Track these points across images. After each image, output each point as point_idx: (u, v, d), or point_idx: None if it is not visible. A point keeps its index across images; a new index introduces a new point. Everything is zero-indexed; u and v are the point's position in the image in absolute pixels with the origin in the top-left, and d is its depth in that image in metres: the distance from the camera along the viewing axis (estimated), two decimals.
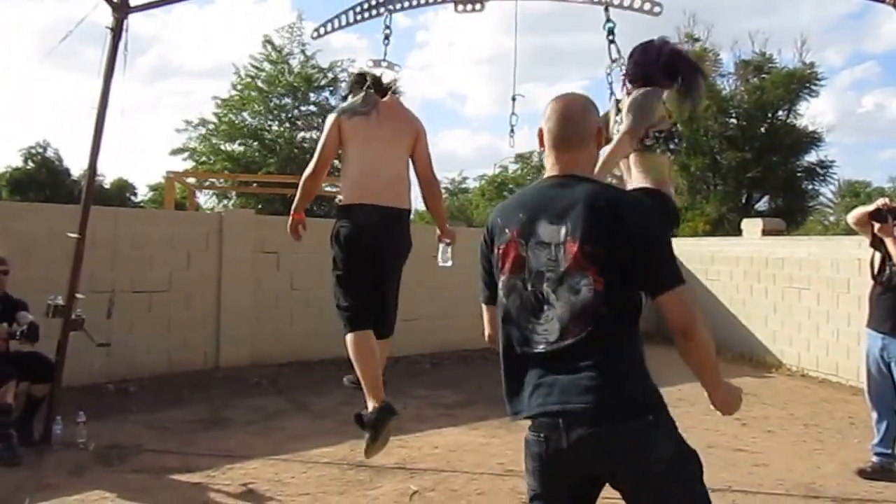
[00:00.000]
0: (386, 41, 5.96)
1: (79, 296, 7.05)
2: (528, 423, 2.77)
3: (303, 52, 27.71)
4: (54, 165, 45.23)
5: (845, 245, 11.64)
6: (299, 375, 10.66)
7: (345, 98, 5.52)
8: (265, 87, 27.05)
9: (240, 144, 26.90)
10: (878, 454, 6.75)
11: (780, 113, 25.12)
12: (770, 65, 25.52)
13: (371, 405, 5.28)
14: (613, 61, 5.51)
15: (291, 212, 5.66)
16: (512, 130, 6.62)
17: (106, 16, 6.74)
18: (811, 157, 25.60)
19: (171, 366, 10.30)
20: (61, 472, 6.35)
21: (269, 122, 27.55)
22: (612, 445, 2.60)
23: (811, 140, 25.08)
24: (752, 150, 24.25)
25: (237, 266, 10.92)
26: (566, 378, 2.62)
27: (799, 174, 25.43)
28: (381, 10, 6.10)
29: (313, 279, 11.56)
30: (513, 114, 6.35)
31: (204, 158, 26.45)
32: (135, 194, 49.13)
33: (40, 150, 45.10)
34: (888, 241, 6.45)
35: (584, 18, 78.78)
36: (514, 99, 6.34)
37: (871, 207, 6.64)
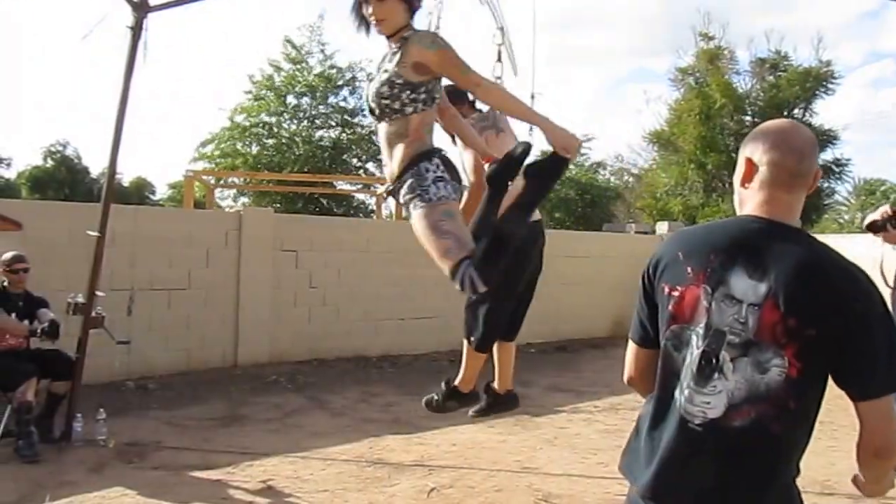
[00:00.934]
0: (499, 58, 5.71)
1: (99, 293, 7.09)
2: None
3: (322, 51, 27.78)
4: (74, 164, 45.43)
5: (860, 243, 11.55)
6: (317, 373, 10.70)
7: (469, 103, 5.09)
8: (282, 86, 27.06)
9: (256, 145, 26.92)
10: None
11: (797, 111, 25.01)
12: (786, 62, 25.43)
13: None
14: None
15: None
16: (531, 130, 6.57)
17: (126, 15, 6.78)
18: (827, 155, 25.46)
19: (191, 363, 10.35)
20: (81, 468, 6.39)
21: (286, 122, 27.56)
22: None
23: (827, 138, 24.95)
24: None
25: (256, 264, 10.95)
26: (709, 476, 2.20)
27: None
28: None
29: (332, 277, 11.61)
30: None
31: (221, 160, 26.47)
32: (153, 193, 49.30)
33: (60, 149, 45.31)
34: None
35: (601, 18, 78.51)
36: (532, 97, 6.33)
37: (869, 219, 6.58)
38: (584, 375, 11.30)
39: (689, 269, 2.27)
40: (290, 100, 27.41)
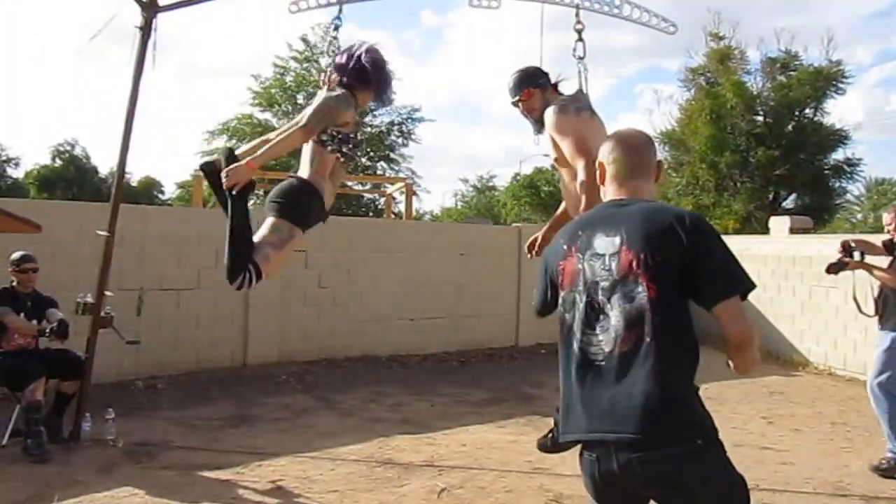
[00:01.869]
0: (580, 37, 5.73)
1: (108, 293, 7.09)
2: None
3: (334, 51, 27.73)
4: (82, 163, 45.55)
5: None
6: (327, 373, 10.69)
7: (543, 84, 5.08)
8: (292, 85, 27.09)
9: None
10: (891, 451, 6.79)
11: (808, 111, 24.97)
12: (796, 62, 25.38)
13: None
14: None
15: (545, 231, 5.34)
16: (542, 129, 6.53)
17: (135, 14, 6.77)
18: (838, 155, 25.41)
19: (200, 363, 10.35)
20: (90, 468, 6.38)
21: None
22: (661, 471, 2.57)
23: (838, 138, 24.89)
24: (780, 148, 24.08)
25: None
26: (620, 399, 2.60)
27: (826, 172, 25.22)
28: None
29: (341, 277, 11.60)
30: None
31: None
32: (162, 192, 49.43)
33: (68, 148, 45.43)
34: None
35: (609, 18, 78.24)
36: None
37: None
38: None
39: (564, 247, 2.89)
40: (300, 100, 27.45)
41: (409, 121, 30.71)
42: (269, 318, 10.98)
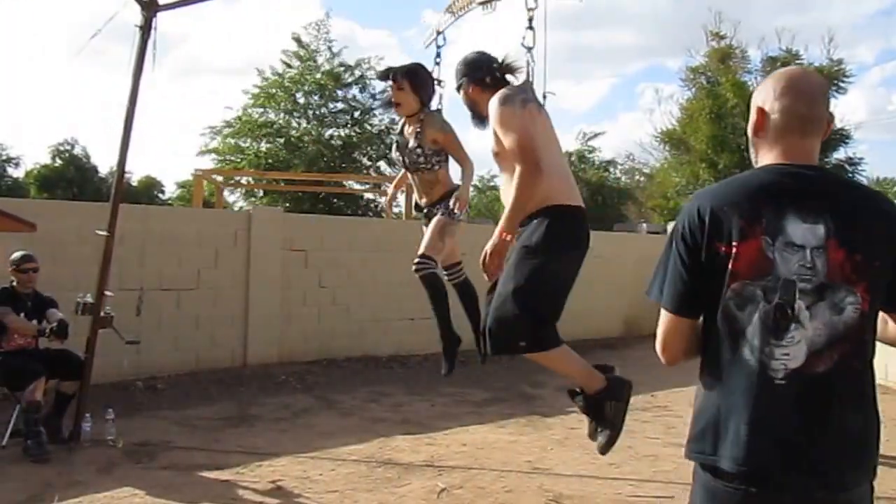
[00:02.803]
0: (530, 26, 5.22)
1: (108, 293, 7.10)
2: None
3: (329, 49, 27.85)
4: (82, 163, 45.56)
5: None
6: (327, 373, 10.70)
7: (480, 78, 4.73)
8: (291, 84, 27.12)
9: (265, 143, 26.97)
10: None
11: None
12: (797, 61, 25.39)
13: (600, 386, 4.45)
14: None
15: (503, 231, 4.38)
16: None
17: (135, 14, 6.78)
18: (840, 154, 25.42)
19: (200, 363, 10.35)
20: (90, 468, 6.39)
21: (296, 120, 27.62)
22: None
23: (840, 137, 24.92)
24: None
25: (265, 264, 10.95)
26: (812, 431, 2.11)
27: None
28: None
29: (341, 277, 11.60)
30: None
31: (230, 157, 26.54)
32: (162, 192, 49.44)
33: (68, 148, 45.44)
34: None
35: (612, 15, 78.65)
36: (544, 97, 6.28)
37: None
38: None
39: (741, 224, 2.16)
40: (299, 98, 27.49)
41: None
42: (269, 318, 10.98)
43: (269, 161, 25.90)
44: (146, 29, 6.76)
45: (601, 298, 14.93)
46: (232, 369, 10.51)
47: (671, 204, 26.99)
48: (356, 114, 27.73)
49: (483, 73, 4.72)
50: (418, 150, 5.48)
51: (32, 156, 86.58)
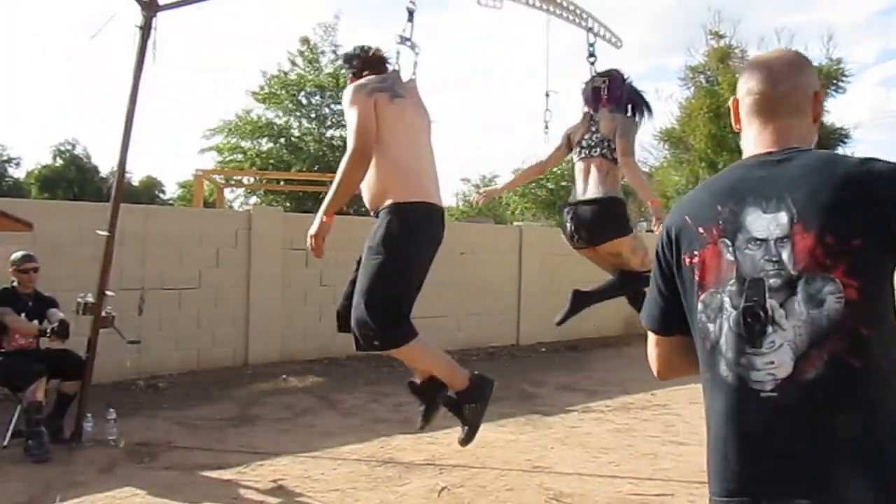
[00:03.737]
0: (410, 18, 4.94)
1: (109, 293, 7.11)
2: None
3: (334, 51, 27.90)
4: (83, 163, 45.62)
5: None
6: (327, 372, 10.71)
7: (356, 72, 4.77)
8: (294, 84, 27.17)
9: (266, 143, 27.01)
10: None
11: None
12: None
13: (462, 386, 4.80)
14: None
15: (322, 214, 4.54)
16: (546, 126, 6.53)
17: (135, 14, 6.79)
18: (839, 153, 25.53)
19: (201, 363, 10.38)
20: (92, 469, 6.39)
21: (297, 120, 27.65)
22: None
23: (839, 136, 24.95)
24: None
25: (266, 263, 10.98)
26: (810, 446, 1.82)
27: None
28: None
29: (342, 276, 11.50)
30: (546, 109, 6.32)
31: (230, 157, 26.58)
32: (163, 192, 49.52)
33: (69, 148, 45.50)
34: None
35: (614, 15, 78.84)
36: (547, 95, 6.31)
37: None
38: (596, 375, 11.28)
39: (700, 230, 2.01)
40: (301, 99, 27.53)
41: None
42: (270, 317, 11.01)
43: (271, 161, 25.93)
44: (146, 29, 6.76)
45: None
46: (233, 368, 10.54)
47: (671, 203, 27.05)
48: None
49: (354, 65, 4.79)
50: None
51: (33, 156, 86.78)
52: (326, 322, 11.52)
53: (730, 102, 2.28)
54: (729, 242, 1.95)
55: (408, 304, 4.44)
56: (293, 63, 27.65)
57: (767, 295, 1.87)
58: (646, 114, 6.08)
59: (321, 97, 27.51)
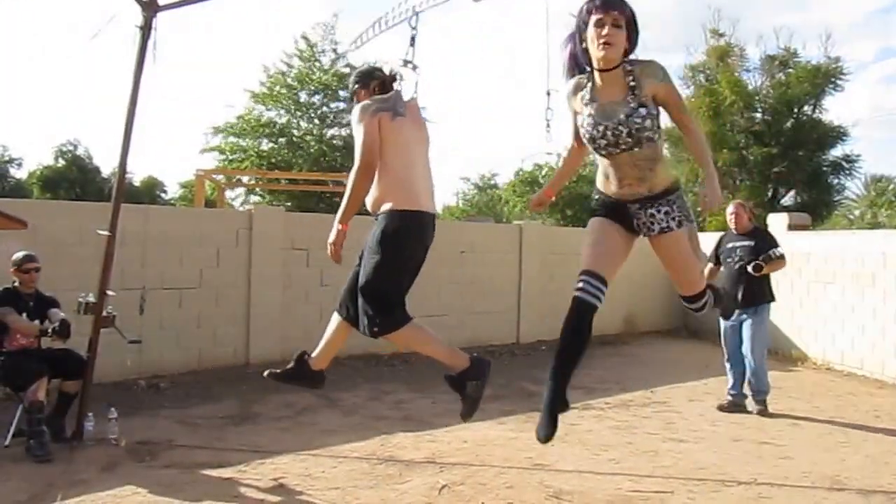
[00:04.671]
0: (412, 43, 5.60)
1: (110, 293, 7.13)
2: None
3: (334, 50, 27.93)
4: (84, 163, 45.63)
5: (870, 239, 11.68)
6: (329, 371, 10.69)
7: (367, 88, 5.20)
8: (294, 83, 27.20)
9: (267, 142, 27.03)
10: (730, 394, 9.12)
11: (806, 108, 25.00)
12: (795, 59, 25.38)
13: (463, 366, 5.22)
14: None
15: (338, 223, 5.20)
16: (548, 126, 6.55)
17: (135, 14, 6.80)
18: (837, 152, 25.40)
19: (202, 362, 10.42)
20: (93, 467, 6.42)
21: (297, 119, 27.67)
22: None
23: (837, 135, 24.92)
24: (778, 145, 24.06)
25: (267, 262, 11.01)
26: None
27: (825, 169, 25.21)
28: (410, 13, 5.97)
29: (343, 275, 11.56)
30: (548, 108, 6.34)
31: (232, 156, 26.61)
32: (165, 192, 49.54)
33: (71, 148, 45.51)
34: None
35: None
36: (548, 94, 6.32)
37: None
38: (595, 372, 11.28)
39: None
40: (303, 98, 27.56)
41: None
42: (270, 316, 11.04)
43: (272, 160, 25.95)
44: (146, 29, 6.78)
45: None
46: (234, 367, 10.57)
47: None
48: None
49: (371, 83, 5.21)
50: (641, 112, 4.17)
51: (35, 157, 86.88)
52: (327, 321, 11.50)
53: None
54: None
55: (399, 296, 5.03)
56: (289, 65, 27.68)
57: None
58: None
59: (323, 96, 27.53)
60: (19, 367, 6.87)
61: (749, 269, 8.71)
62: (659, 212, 4.45)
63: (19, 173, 47.14)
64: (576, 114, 4.50)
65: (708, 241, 8.73)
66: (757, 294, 8.98)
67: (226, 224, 10.93)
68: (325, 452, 7.03)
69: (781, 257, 8.91)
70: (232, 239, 10.77)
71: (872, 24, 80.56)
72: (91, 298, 7.04)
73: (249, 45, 74.62)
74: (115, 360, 8.72)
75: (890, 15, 79.61)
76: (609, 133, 4.21)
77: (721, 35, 26.59)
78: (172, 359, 10.08)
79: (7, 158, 46.91)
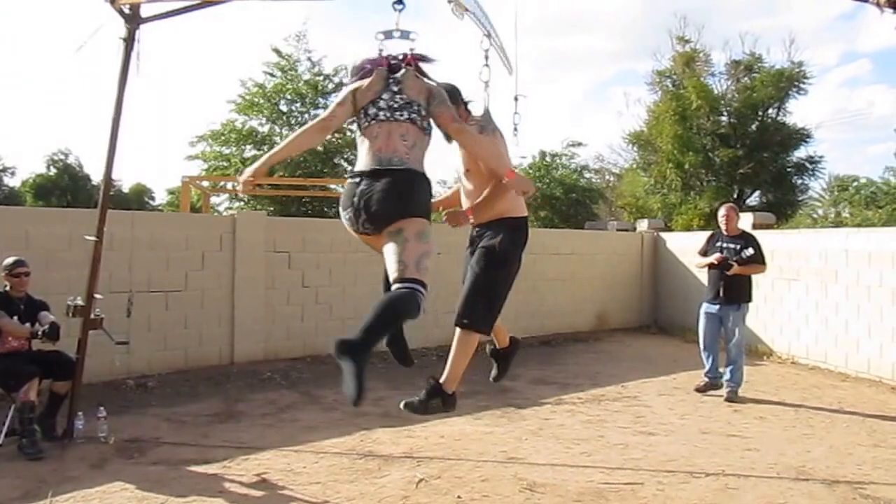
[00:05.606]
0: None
1: (97, 296, 7.29)
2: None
3: (309, 59, 28.04)
4: (75, 171, 45.62)
5: (833, 237, 11.94)
6: (310, 369, 10.88)
7: (456, 104, 5.16)
8: (273, 93, 27.24)
9: (250, 150, 27.02)
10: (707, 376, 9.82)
11: (771, 111, 25.32)
12: (759, 64, 25.64)
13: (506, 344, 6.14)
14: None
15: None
16: (515, 129, 6.71)
17: (119, 26, 6.89)
18: (801, 153, 25.75)
19: (188, 362, 10.58)
20: (83, 465, 6.58)
21: (280, 128, 27.68)
22: None
23: (801, 137, 25.26)
24: (744, 147, 24.46)
25: (250, 266, 11.18)
26: None
27: (789, 169, 25.53)
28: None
29: (323, 277, 11.83)
30: (515, 113, 6.51)
31: (215, 164, 26.64)
32: (153, 198, 49.49)
33: (62, 157, 45.51)
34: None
35: (586, 22, 79.71)
36: (516, 99, 6.50)
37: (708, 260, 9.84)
38: (569, 368, 11.54)
39: None
40: (283, 107, 27.63)
41: None
42: (254, 317, 11.21)
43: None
44: (130, 41, 6.88)
45: (574, 293, 15.39)
46: (219, 367, 10.72)
47: (640, 203, 27.57)
48: None
49: (458, 101, 5.31)
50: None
51: (28, 165, 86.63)
52: (309, 321, 11.77)
53: None
54: None
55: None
56: (270, 74, 27.75)
57: None
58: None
59: (301, 104, 27.60)
60: (11, 369, 7.01)
61: (730, 271, 9.54)
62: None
63: (13, 182, 47.11)
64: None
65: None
66: (743, 294, 9.77)
67: (210, 229, 11.08)
68: (307, 448, 7.20)
69: (754, 260, 9.66)
70: (216, 243, 10.93)
71: (836, 29, 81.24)
72: (80, 302, 7.19)
73: (233, 56, 74.54)
74: (104, 361, 8.90)
75: (853, 20, 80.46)
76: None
77: (687, 41, 26.97)
78: (159, 359, 10.24)
79: (1, 167, 46.82)
